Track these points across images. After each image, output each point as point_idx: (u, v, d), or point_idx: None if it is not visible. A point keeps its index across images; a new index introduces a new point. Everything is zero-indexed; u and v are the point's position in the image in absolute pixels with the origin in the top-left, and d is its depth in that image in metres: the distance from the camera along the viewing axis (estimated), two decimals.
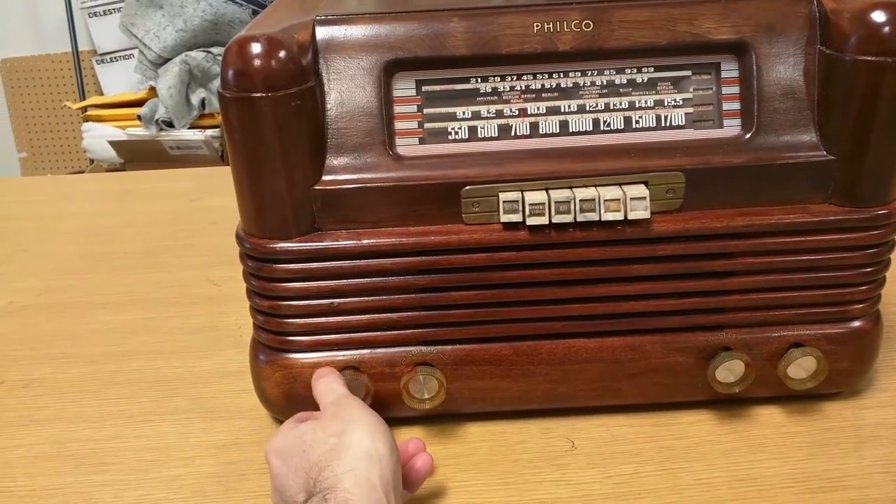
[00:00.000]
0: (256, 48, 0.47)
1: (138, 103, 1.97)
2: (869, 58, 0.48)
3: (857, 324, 0.55)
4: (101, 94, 2.25)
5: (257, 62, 0.47)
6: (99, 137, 2.00)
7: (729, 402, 0.57)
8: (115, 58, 2.26)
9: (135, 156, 1.99)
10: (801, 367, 0.55)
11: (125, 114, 1.99)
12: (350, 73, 0.52)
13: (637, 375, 0.56)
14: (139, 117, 1.92)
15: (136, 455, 0.57)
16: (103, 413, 0.61)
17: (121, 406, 0.62)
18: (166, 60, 2.02)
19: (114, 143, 1.97)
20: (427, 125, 0.53)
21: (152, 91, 1.97)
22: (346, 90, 0.52)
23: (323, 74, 0.51)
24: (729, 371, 0.54)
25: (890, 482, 0.51)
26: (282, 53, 0.48)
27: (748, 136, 0.52)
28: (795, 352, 0.54)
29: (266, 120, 0.48)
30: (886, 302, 0.57)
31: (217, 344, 0.69)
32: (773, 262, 0.53)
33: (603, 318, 0.55)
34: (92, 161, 2.13)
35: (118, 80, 2.23)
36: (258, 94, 0.48)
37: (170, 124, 1.92)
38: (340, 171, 0.51)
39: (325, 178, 0.51)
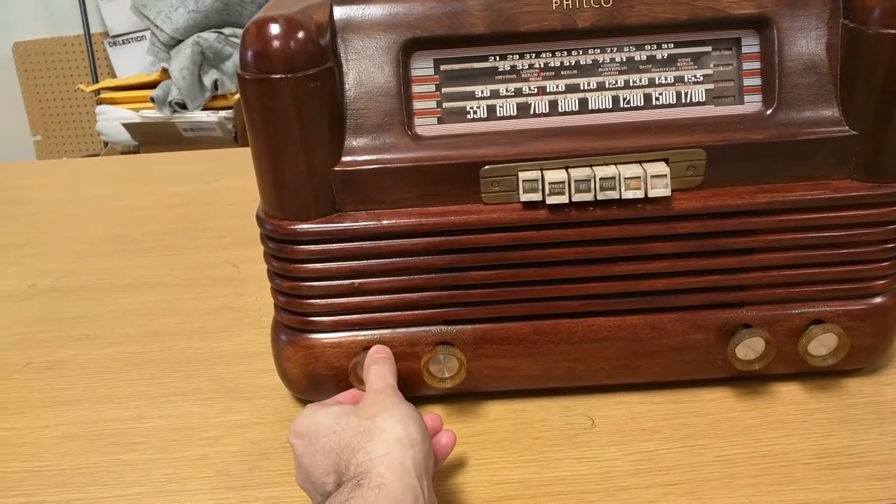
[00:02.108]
0: (275, 29, 0.47)
1: (151, 85, 1.97)
2: (893, 31, 0.47)
3: (878, 300, 0.55)
4: (114, 76, 2.26)
5: (276, 43, 0.47)
6: (113, 120, 2.01)
7: (749, 380, 0.57)
8: (127, 40, 2.26)
9: (149, 138, 2.00)
10: (821, 344, 0.54)
11: (138, 96, 1.99)
12: (368, 54, 0.52)
13: (657, 353, 0.56)
14: (152, 99, 1.92)
15: (161, 435, 0.57)
16: (128, 393, 0.62)
17: (144, 387, 0.63)
18: (178, 42, 2.02)
19: (128, 126, 1.97)
20: (445, 105, 0.53)
21: (165, 73, 1.97)
22: (364, 70, 0.51)
23: (341, 55, 0.51)
24: (749, 348, 0.54)
25: None
26: (300, 34, 0.48)
27: (769, 111, 0.51)
28: (816, 328, 0.54)
29: (285, 101, 0.48)
30: None
31: (237, 325, 0.69)
32: (795, 239, 0.53)
33: (623, 296, 0.55)
34: (106, 144, 2.14)
35: (131, 63, 2.23)
36: (277, 76, 0.48)
37: (183, 106, 1.93)
38: (359, 152, 0.51)
39: (345, 158, 0.51)
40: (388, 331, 0.55)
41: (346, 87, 0.51)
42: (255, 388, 0.61)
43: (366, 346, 0.55)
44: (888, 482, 0.49)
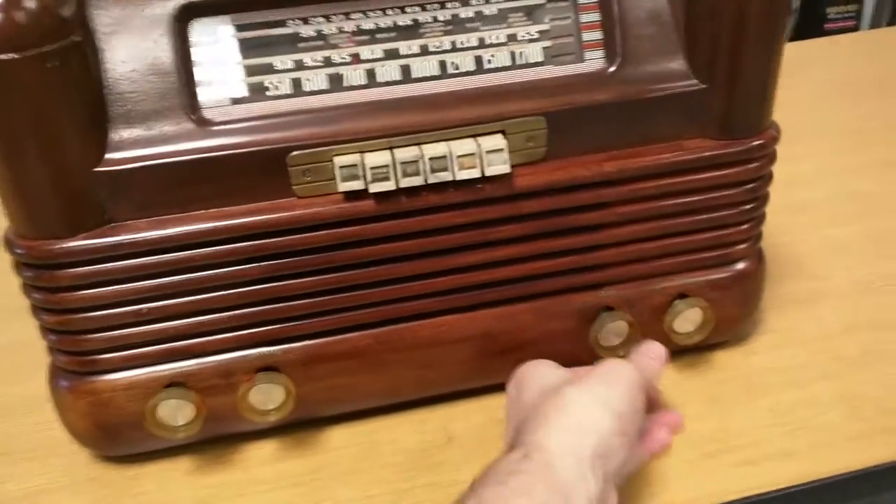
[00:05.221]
0: None
1: None
2: None
3: (740, 266, 0.51)
4: None
5: None
6: None
7: None
8: None
9: None
10: (687, 320, 0.50)
11: None
12: (132, 24, 0.41)
13: (513, 349, 0.50)
14: None
15: None
16: None
17: None
18: None
19: None
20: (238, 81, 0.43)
21: None
22: (128, 45, 0.41)
23: (95, 27, 0.40)
24: (612, 334, 0.49)
25: (782, 434, 0.47)
26: (29, 3, 0.37)
27: (612, 68, 0.45)
28: (680, 304, 0.50)
29: (13, 87, 0.37)
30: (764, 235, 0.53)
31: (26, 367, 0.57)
32: (649, 209, 0.47)
33: (468, 289, 0.48)
34: None
35: None
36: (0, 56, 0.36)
37: None
38: (130, 146, 0.41)
39: (110, 155, 0.41)
40: (194, 361, 0.46)
41: (105, 66, 0.41)
42: (42, 446, 0.50)
43: (168, 383, 0.45)
44: (763, 466, 0.45)
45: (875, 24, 1.90)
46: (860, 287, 0.59)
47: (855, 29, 1.87)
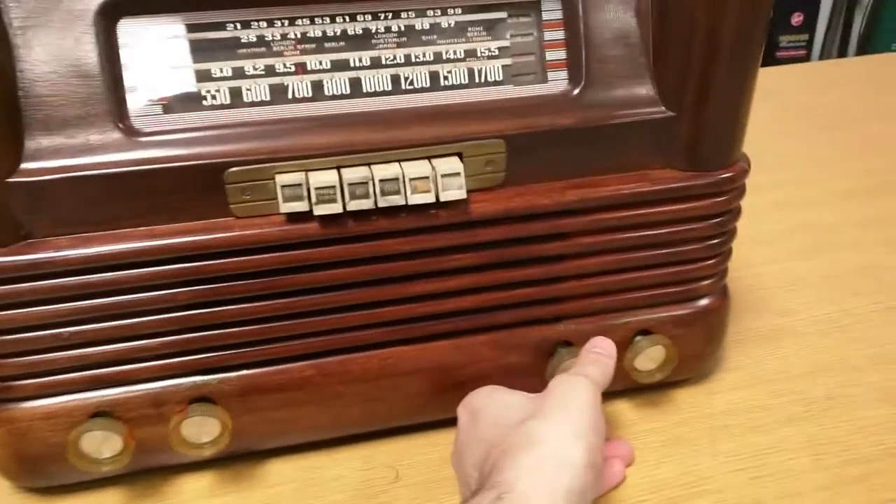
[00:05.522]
0: None
1: None
2: None
3: (704, 302, 0.49)
4: None
5: None
6: None
7: None
8: None
9: None
10: (648, 358, 0.48)
11: None
12: (52, 20, 0.38)
13: (468, 383, 0.47)
14: None
15: None
16: None
17: None
18: None
19: None
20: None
21: None
22: (49, 44, 0.38)
23: (9, 22, 0.37)
24: (570, 369, 0.46)
25: (747, 481, 0.45)
26: None
27: (577, 91, 0.43)
28: (643, 341, 0.48)
29: None
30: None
31: None
32: (612, 241, 0.45)
33: (420, 320, 0.45)
34: None
35: None
36: None
37: None
38: (49, 156, 0.38)
39: (26, 165, 0.37)
40: (122, 389, 0.42)
41: (22, 66, 0.37)
42: None
43: (93, 413, 0.42)
44: None
45: (825, 55, 1.91)
46: (823, 325, 0.57)
47: (806, 58, 1.89)
